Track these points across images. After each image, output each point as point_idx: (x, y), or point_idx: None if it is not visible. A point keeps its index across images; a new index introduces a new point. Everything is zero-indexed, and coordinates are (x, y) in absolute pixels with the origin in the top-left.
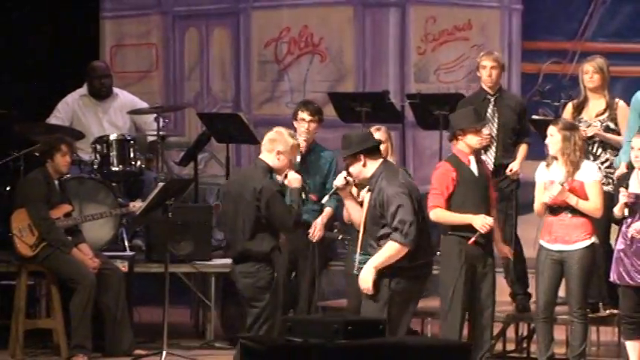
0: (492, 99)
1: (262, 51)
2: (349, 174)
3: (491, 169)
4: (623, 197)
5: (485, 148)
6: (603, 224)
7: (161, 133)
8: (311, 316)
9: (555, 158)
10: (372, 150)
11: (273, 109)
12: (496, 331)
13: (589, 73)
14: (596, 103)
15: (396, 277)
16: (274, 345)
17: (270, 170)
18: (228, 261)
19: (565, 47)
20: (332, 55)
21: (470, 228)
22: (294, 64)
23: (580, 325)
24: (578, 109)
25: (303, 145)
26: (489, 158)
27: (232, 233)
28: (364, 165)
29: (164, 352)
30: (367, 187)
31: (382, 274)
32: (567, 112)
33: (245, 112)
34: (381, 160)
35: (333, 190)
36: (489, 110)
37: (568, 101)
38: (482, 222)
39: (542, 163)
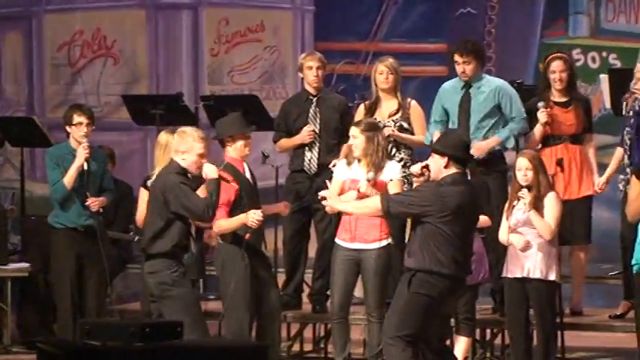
0: (314, 99)
1: (55, 54)
2: (427, 167)
3: (315, 168)
4: None
5: (310, 147)
6: (398, 224)
7: None
8: (108, 320)
9: (358, 159)
10: (459, 160)
11: None
12: (293, 331)
13: (384, 74)
14: (389, 104)
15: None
16: (71, 348)
17: (179, 169)
18: (25, 265)
19: (358, 48)
20: (125, 58)
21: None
22: (87, 67)
23: (377, 325)
24: (371, 110)
25: (87, 151)
26: (313, 157)
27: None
28: (446, 167)
29: None
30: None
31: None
32: (360, 113)
33: (39, 116)
34: (462, 171)
35: (408, 173)
36: (311, 110)
37: (361, 102)
38: (251, 217)
39: (343, 161)
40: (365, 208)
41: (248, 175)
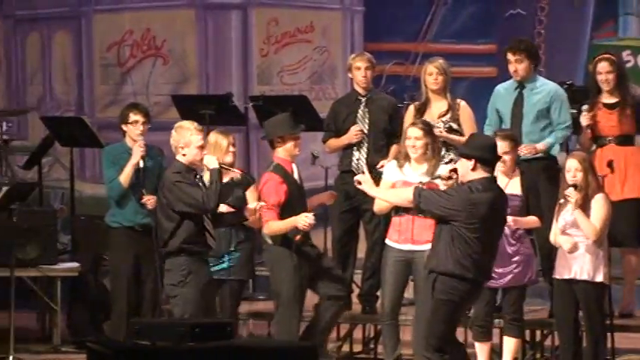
0: (364, 99)
1: (105, 54)
2: (455, 170)
3: (364, 168)
4: None
5: (358, 147)
6: None
7: (4, 137)
8: (158, 319)
9: (412, 161)
10: (487, 161)
11: (117, 112)
12: (343, 332)
13: (433, 75)
14: (438, 105)
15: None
16: (121, 348)
17: (178, 167)
18: (75, 265)
19: (407, 48)
20: (175, 58)
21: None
22: (137, 67)
23: None
24: (421, 111)
25: (143, 149)
26: (362, 157)
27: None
28: (473, 169)
29: (11, 357)
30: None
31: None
32: (409, 114)
33: (88, 116)
34: (490, 175)
35: (435, 176)
36: (360, 111)
37: (411, 102)
38: (302, 220)
39: (393, 162)
40: (396, 198)
41: (296, 175)
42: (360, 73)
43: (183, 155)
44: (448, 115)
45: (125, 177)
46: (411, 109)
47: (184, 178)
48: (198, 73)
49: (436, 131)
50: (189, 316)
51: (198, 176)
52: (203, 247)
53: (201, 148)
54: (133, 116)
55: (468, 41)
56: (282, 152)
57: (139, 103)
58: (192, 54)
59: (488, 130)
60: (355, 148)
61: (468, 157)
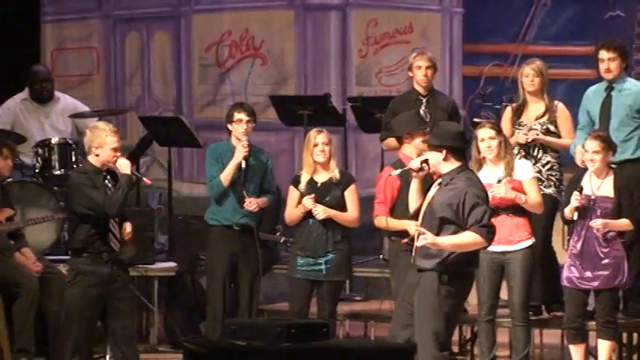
0: (424, 99)
1: (203, 54)
2: (427, 161)
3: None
4: (575, 201)
5: None
6: (544, 225)
7: None
8: (254, 320)
9: (488, 162)
10: (458, 150)
11: (215, 112)
12: None
13: (529, 77)
14: (536, 107)
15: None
16: (217, 348)
17: (86, 168)
18: (172, 264)
19: (506, 50)
20: (273, 59)
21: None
22: (235, 67)
23: (522, 328)
24: (518, 113)
25: (246, 149)
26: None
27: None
28: (445, 159)
29: (108, 356)
30: (439, 180)
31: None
32: (506, 116)
33: (187, 116)
34: (461, 163)
35: (406, 168)
36: (421, 111)
37: (509, 104)
38: (413, 228)
39: None
40: (468, 247)
41: None
42: (420, 72)
43: (96, 156)
44: (545, 117)
45: (226, 175)
46: (508, 110)
47: (89, 180)
48: (297, 73)
49: (533, 133)
50: (67, 321)
51: (108, 177)
52: (100, 250)
53: (115, 150)
54: (238, 115)
55: (567, 43)
56: (409, 149)
57: (245, 102)
58: (290, 55)
59: (581, 134)
60: None
61: (439, 148)
